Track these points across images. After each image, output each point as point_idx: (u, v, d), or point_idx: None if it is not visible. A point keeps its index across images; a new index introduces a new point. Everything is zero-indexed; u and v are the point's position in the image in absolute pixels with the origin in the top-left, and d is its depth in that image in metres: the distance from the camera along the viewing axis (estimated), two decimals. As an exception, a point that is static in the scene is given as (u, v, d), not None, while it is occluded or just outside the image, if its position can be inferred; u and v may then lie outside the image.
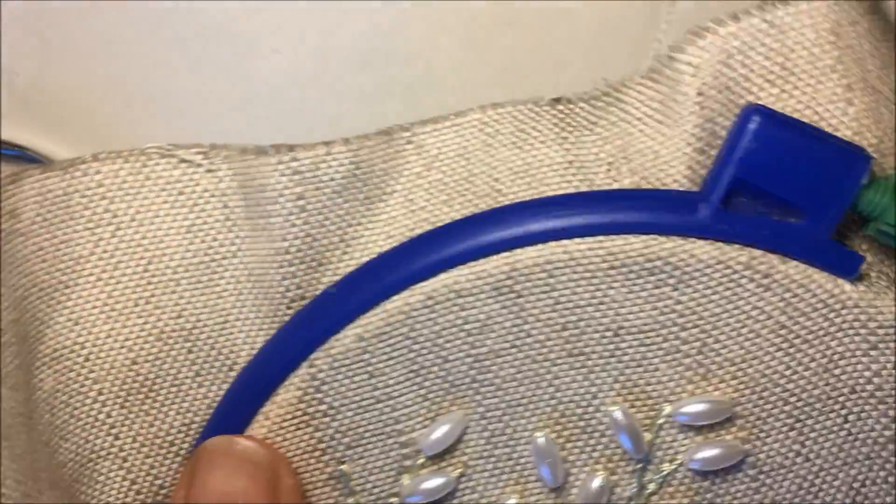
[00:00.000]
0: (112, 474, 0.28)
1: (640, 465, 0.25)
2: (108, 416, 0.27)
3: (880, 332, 0.24)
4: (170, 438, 0.28)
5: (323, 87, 0.38)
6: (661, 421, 0.25)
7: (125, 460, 0.27)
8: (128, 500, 0.28)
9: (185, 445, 0.28)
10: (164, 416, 0.27)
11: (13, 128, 0.39)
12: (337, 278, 0.27)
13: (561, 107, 0.26)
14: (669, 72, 0.25)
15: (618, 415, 0.25)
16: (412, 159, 0.27)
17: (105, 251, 0.27)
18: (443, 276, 0.25)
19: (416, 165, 0.27)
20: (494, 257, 0.25)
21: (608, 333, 0.25)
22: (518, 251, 0.25)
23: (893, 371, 0.24)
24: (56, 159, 0.34)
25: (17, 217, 0.26)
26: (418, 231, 0.26)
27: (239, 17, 0.39)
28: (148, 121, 0.38)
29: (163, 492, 0.28)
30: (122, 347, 0.27)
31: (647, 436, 0.25)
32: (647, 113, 0.26)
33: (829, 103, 0.25)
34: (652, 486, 0.26)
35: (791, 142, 0.23)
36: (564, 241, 0.24)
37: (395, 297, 0.25)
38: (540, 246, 0.25)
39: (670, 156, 0.25)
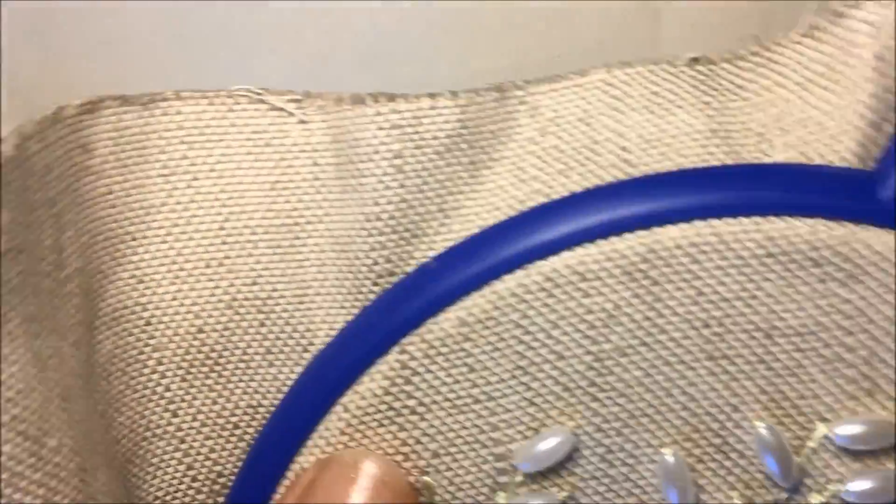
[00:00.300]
0: (167, 456, 0.24)
1: (784, 495, 0.22)
2: (167, 389, 0.24)
3: None
4: (234, 420, 0.24)
5: (323, 87, 0.35)
6: (813, 443, 0.21)
7: (183, 441, 0.24)
8: (182, 486, 0.24)
9: (251, 430, 0.24)
10: (229, 393, 0.24)
11: (10, 126, 0.41)
12: (432, 253, 0.23)
13: (701, 67, 0.23)
14: (840, 30, 0.22)
15: (764, 432, 0.21)
16: (525, 122, 0.23)
17: (178, 202, 0.23)
18: (566, 254, 0.21)
19: (529, 129, 0.23)
20: (629, 235, 0.21)
21: (758, 334, 0.21)
22: (657, 229, 0.21)
23: None
24: None
25: (89, 152, 0.23)
26: (530, 204, 0.23)
27: (239, 17, 0.39)
28: None
29: (221, 480, 0.25)
30: (188, 312, 0.24)
31: (797, 459, 0.21)
32: (810, 77, 0.22)
33: None
34: (797, 521, 0.22)
35: None
36: (714, 221, 0.21)
37: (507, 277, 0.22)
38: (684, 225, 0.21)
39: (838, 129, 0.22)
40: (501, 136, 0.23)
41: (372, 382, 0.22)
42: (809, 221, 0.21)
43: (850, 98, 0.22)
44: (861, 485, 0.21)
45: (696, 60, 0.23)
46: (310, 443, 0.23)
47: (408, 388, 0.22)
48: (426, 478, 0.23)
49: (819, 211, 0.21)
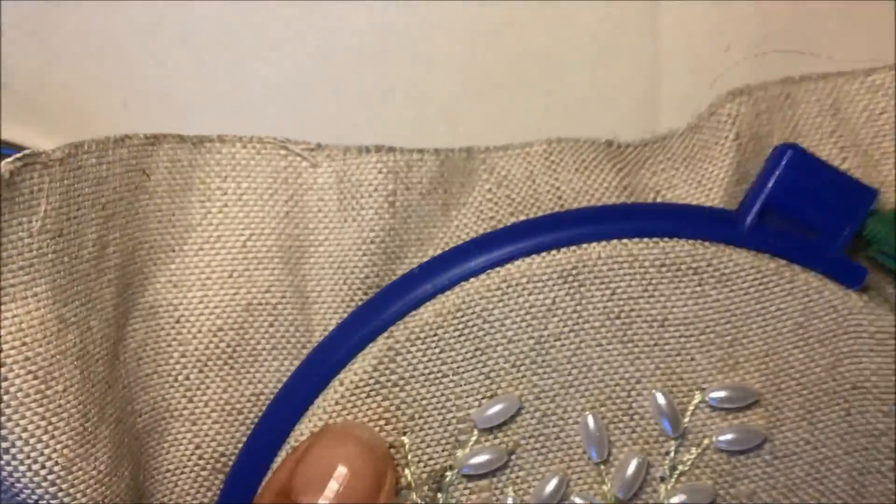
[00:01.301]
0: (180, 436, 0.29)
1: (673, 448, 0.29)
2: (187, 378, 0.29)
3: (879, 336, 0.29)
4: (238, 406, 0.30)
5: (323, 87, 0.39)
6: (693, 406, 0.29)
7: (194, 423, 0.29)
8: (190, 462, 0.29)
9: (252, 416, 0.30)
10: (237, 384, 0.29)
11: (13, 128, 0.40)
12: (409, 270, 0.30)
13: (613, 148, 0.31)
14: (711, 123, 0.30)
15: (660, 398, 0.29)
16: (484, 177, 0.31)
17: (211, 223, 0.29)
18: (518, 262, 0.29)
19: (487, 183, 0.31)
20: (564, 250, 0.29)
21: (654, 324, 0.29)
22: (585, 246, 0.29)
23: (889, 370, 0.29)
24: None
25: (147, 175, 0.28)
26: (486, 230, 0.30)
27: (239, 17, 0.40)
28: (147, 121, 0.39)
29: (223, 459, 0.30)
30: (211, 314, 0.29)
31: (683, 420, 0.29)
32: (691, 155, 0.31)
33: (827, 159, 0.30)
34: (681, 467, 0.29)
35: (814, 174, 0.29)
36: (625, 240, 0.29)
37: (473, 280, 0.29)
38: (604, 243, 0.29)
39: (711, 184, 0.30)
40: (467, 185, 0.31)
41: (364, 361, 0.29)
42: (692, 242, 0.29)
43: (717, 165, 0.30)
44: (729, 435, 0.29)
45: (609, 143, 0.31)
46: (310, 412, 0.29)
47: (392, 365, 0.29)
48: (403, 437, 0.29)
49: (699, 235, 0.29)
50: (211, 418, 0.30)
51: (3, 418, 0.25)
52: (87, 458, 0.26)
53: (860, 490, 0.29)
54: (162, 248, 0.29)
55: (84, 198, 0.28)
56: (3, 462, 0.25)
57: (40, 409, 0.25)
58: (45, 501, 0.25)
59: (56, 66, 0.41)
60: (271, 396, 0.30)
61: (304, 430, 0.29)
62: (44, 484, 0.25)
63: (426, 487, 0.29)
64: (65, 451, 0.26)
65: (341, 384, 0.29)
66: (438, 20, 0.39)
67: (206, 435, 0.30)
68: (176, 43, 0.40)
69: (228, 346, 0.30)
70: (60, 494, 0.26)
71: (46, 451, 0.25)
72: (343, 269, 0.30)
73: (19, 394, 0.25)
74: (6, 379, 0.25)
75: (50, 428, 0.25)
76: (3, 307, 0.25)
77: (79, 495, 0.26)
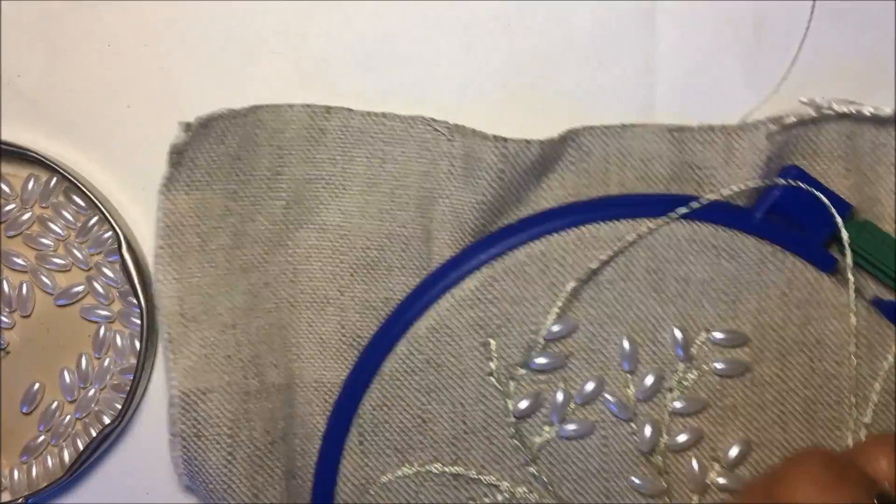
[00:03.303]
0: (331, 317, 0.42)
1: (681, 368, 0.41)
2: (343, 278, 0.41)
3: (839, 307, 0.40)
4: (374, 304, 0.41)
5: (323, 87, 0.42)
6: (699, 341, 0.41)
7: (343, 311, 0.42)
8: (335, 336, 0.42)
9: (383, 314, 0.41)
10: (375, 288, 0.41)
11: (13, 128, 0.42)
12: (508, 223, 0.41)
13: (675, 134, 0.41)
14: (744, 141, 0.41)
15: (677, 333, 0.40)
16: (571, 151, 0.41)
17: (372, 174, 0.41)
18: (589, 225, 0.40)
19: (570, 156, 0.41)
20: (623, 221, 0.40)
21: (681, 280, 0.40)
22: (639, 220, 0.40)
23: (844, 332, 0.40)
24: (54, 160, 0.40)
25: (323, 132, 0.40)
26: (568, 200, 0.41)
27: (240, 18, 0.41)
28: (148, 121, 0.42)
29: (359, 340, 0.42)
30: (364, 236, 0.41)
31: (692, 350, 0.41)
32: (728, 160, 0.41)
33: (834, 175, 0.41)
34: (685, 383, 0.41)
35: (809, 187, 0.40)
36: (666, 219, 0.40)
37: (555, 234, 0.40)
38: (652, 219, 0.40)
39: (737, 183, 0.41)
40: (558, 158, 0.41)
41: (471, 282, 0.40)
42: (715, 226, 0.40)
43: (748, 172, 0.41)
44: (722, 364, 0.40)
45: (671, 130, 0.41)
46: (427, 314, 0.40)
47: (490, 287, 0.40)
48: (490, 339, 0.41)
49: (720, 221, 0.40)
50: (354, 309, 0.41)
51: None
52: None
53: (812, 415, 0.40)
54: (334, 185, 0.41)
55: (261, 140, 0.40)
56: None
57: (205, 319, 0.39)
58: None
59: (58, 67, 0.41)
60: (398, 301, 0.42)
61: (421, 326, 0.41)
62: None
63: (503, 375, 0.41)
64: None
65: (452, 297, 0.40)
66: (438, 22, 0.41)
67: (349, 320, 0.41)
68: (179, 44, 0.41)
69: (373, 260, 0.41)
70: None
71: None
72: (460, 217, 0.41)
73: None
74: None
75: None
76: (188, 195, 0.38)
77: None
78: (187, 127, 0.38)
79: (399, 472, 0.40)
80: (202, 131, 0.39)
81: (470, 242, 0.41)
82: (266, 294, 0.41)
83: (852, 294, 0.40)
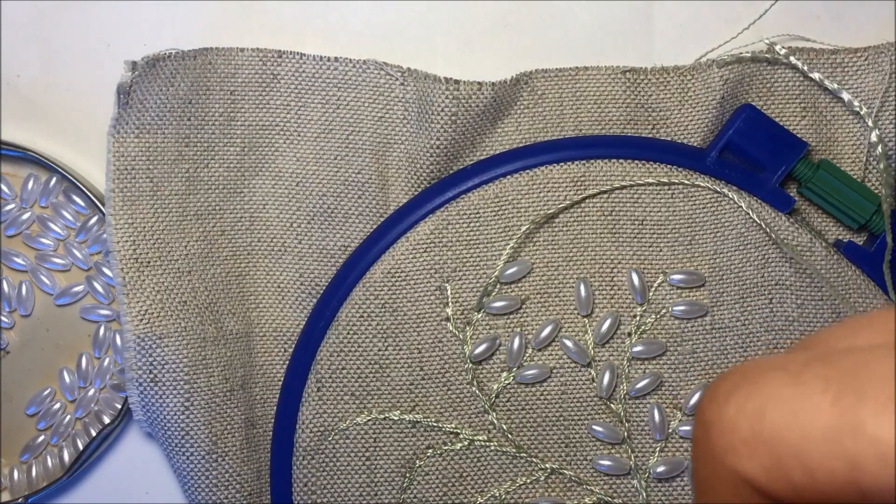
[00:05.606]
0: (289, 266, 0.41)
1: (639, 312, 0.40)
2: (300, 225, 0.41)
3: (798, 248, 0.39)
4: (332, 251, 0.41)
5: None
6: (658, 283, 0.40)
7: (301, 258, 0.41)
8: (294, 285, 0.41)
9: (340, 260, 0.41)
10: (332, 235, 0.41)
11: (13, 128, 0.42)
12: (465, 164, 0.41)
13: (629, 75, 0.41)
14: (701, 79, 0.41)
15: (634, 276, 0.40)
16: (526, 95, 0.41)
17: (327, 119, 0.41)
18: (542, 168, 0.40)
19: (526, 100, 0.41)
20: (577, 162, 0.40)
21: (636, 222, 0.40)
22: (593, 161, 0.40)
23: (803, 273, 0.39)
24: (53, 160, 0.41)
25: (276, 77, 0.40)
26: (521, 143, 0.41)
27: (237, 19, 0.41)
28: None
29: (317, 287, 0.42)
30: (320, 182, 0.41)
31: (649, 293, 0.40)
32: (684, 100, 0.41)
33: (790, 116, 0.41)
34: (643, 327, 0.40)
35: (764, 127, 0.39)
36: (621, 160, 0.40)
37: (509, 177, 0.40)
38: (606, 160, 0.40)
39: (694, 127, 0.41)
40: (512, 102, 0.41)
41: (425, 226, 0.40)
42: (670, 166, 0.40)
43: (702, 115, 0.41)
44: (681, 307, 0.40)
45: (625, 71, 0.42)
46: (383, 258, 0.40)
47: (444, 231, 0.40)
48: (446, 284, 0.40)
49: (675, 162, 0.40)
50: (312, 257, 0.41)
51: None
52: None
53: (772, 358, 0.40)
54: (289, 132, 0.41)
55: (212, 84, 0.40)
56: None
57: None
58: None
59: (57, 67, 0.42)
60: (353, 248, 0.42)
61: (377, 271, 0.40)
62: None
63: (459, 320, 0.40)
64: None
65: (407, 240, 0.40)
66: (437, 22, 0.42)
67: (307, 268, 0.41)
68: (176, 44, 0.40)
69: (330, 207, 0.41)
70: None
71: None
72: (415, 163, 0.41)
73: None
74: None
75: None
76: (138, 138, 0.38)
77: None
78: (133, 65, 0.39)
79: (357, 419, 0.40)
80: (150, 71, 0.39)
81: (426, 185, 0.41)
82: (222, 241, 0.41)
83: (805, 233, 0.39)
